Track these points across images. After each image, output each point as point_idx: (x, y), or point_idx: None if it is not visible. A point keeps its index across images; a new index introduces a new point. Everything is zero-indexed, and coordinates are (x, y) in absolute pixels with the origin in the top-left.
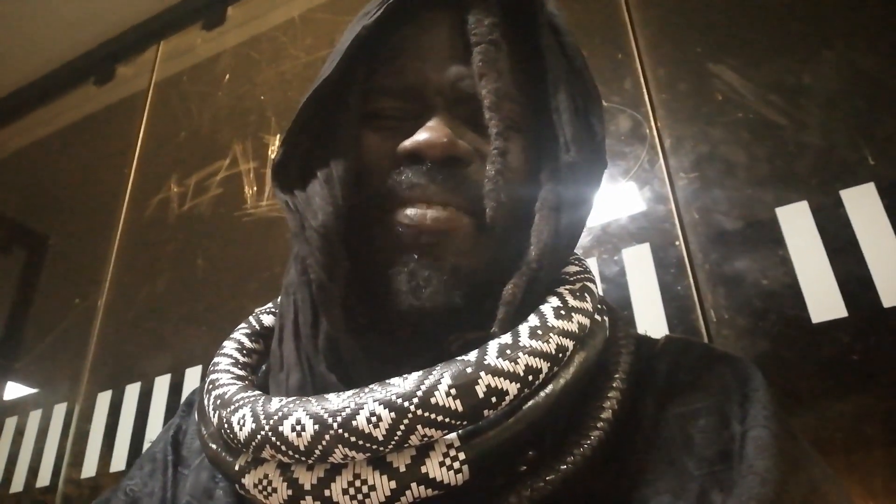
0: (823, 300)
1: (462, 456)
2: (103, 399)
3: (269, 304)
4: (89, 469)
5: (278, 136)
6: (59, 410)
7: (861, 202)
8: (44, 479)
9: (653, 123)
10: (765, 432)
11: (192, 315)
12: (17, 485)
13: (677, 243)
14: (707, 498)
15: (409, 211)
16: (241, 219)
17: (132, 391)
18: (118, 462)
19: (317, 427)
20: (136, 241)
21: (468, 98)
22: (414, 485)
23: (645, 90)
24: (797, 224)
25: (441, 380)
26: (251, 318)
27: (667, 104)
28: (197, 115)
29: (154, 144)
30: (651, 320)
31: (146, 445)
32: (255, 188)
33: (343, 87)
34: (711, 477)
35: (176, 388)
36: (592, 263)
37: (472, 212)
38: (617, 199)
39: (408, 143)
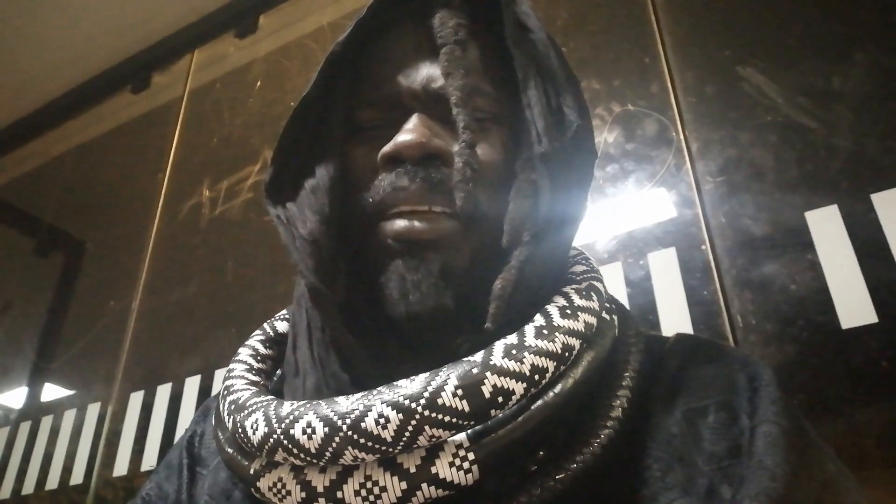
0: (853, 306)
1: (471, 456)
2: (136, 399)
3: (283, 311)
4: (121, 468)
5: None
6: (93, 410)
7: (893, 206)
8: (77, 478)
9: (680, 127)
10: (774, 428)
11: (222, 317)
12: (52, 482)
13: (704, 247)
14: (716, 493)
15: (396, 223)
16: (270, 223)
17: (163, 392)
18: (149, 461)
19: (327, 429)
20: (169, 245)
21: (442, 98)
22: (424, 485)
23: (672, 94)
24: (827, 228)
25: (447, 380)
26: (265, 325)
27: (694, 108)
28: (229, 122)
29: (187, 150)
30: (677, 325)
31: None
32: None
33: (327, 104)
34: (720, 472)
35: (206, 389)
36: (617, 268)
37: (454, 212)
38: (643, 203)
39: (387, 147)
